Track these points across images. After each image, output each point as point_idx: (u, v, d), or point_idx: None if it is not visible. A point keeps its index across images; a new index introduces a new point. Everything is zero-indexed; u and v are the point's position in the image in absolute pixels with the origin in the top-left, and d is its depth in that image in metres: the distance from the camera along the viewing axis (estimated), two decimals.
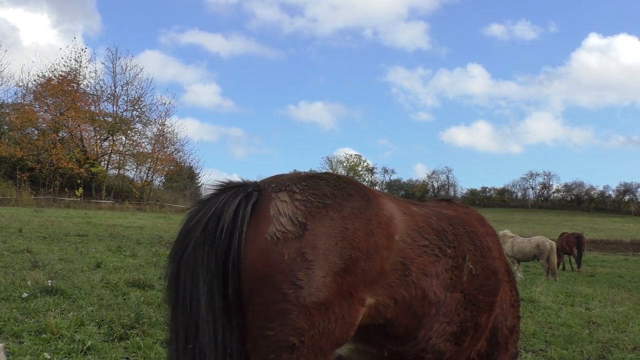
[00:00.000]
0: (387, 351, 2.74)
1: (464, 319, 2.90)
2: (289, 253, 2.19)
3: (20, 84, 48.07)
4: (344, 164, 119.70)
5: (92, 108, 49.68)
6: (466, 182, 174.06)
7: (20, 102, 46.70)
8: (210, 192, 2.47)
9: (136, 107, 51.78)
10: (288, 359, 2.17)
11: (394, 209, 2.63)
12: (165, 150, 52.85)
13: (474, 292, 2.95)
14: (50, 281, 7.43)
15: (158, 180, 57.06)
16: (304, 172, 2.74)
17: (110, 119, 50.27)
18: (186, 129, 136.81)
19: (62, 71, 47.88)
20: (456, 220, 3.09)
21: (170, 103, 53.31)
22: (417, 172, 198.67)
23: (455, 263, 2.84)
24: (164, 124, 52.70)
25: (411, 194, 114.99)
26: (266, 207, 2.26)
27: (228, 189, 2.38)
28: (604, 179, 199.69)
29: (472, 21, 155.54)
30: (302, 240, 2.21)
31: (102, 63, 63.83)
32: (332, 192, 2.40)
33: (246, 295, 2.20)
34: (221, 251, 2.20)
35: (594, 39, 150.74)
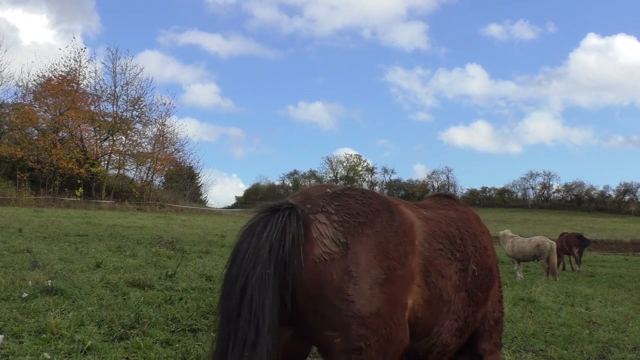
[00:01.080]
0: None
1: (467, 315, 3.17)
2: (337, 272, 2.42)
3: (20, 84, 48.10)
4: (344, 164, 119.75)
5: (92, 108, 49.68)
6: (466, 182, 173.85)
7: (20, 102, 46.67)
8: (260, 212, 2.64)
9: (136, 107, 51.82)
10: (358, 359, 2.44)
11: (412, 216, 2.91)
12: (165, 150, 52.83)
13: (475, 290, 3.23)
14: (50, 281, 7.42)
15: (158, 180, 57.09)
16: (326, 182, 2.98)
17: (110, 119, 50.24)
18: (186, 129, 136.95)
19: (62, 71, 47.91)
20: (460, 223, 3.34)
21: (170, 103, 53.27)
22: (417, 172, 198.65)
23: (463, 266, 3.12)
24: (164, 124, 52.73)
25: (411, 194, 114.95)
26: (308, 230, 2.47)
27: (276, 210, 2.56)
28: (603, 179, 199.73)
29: (471, 21, 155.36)
30: (346, 260, 2.44)
31: (102, 63, 63.90)
32: (363, 209, 2.63)
33: (302, 310, 2.46)
34: (282, 271, 2.42)
35: (592, 39, 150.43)
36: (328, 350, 2.48)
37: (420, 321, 2.81)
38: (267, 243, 2.44)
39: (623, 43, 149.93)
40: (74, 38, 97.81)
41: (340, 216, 2.54)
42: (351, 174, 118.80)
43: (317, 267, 2.42)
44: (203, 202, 63.34)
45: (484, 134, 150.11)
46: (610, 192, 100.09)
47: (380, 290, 2.49)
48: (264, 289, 2.39)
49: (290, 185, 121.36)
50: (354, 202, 2.64)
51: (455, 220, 3.32)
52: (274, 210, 2.56)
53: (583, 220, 74.16)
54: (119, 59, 51.52)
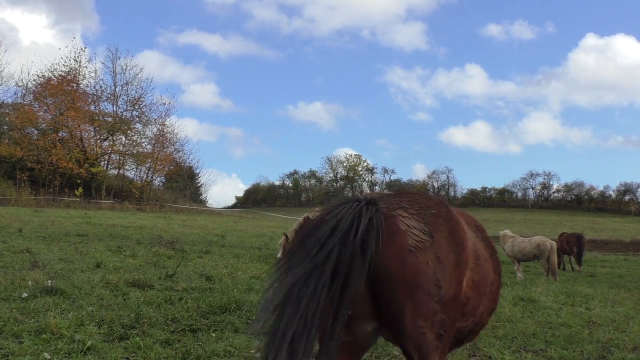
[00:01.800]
0: None
1: (496, 296, 3.44)
2: (431, 260, 2.57)
3: (20, 84, 48.12)
4: (344, 164, 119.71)
5: (92, 108, 49.67)
6: (465, 182, 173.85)
7: (20, 102, 46.69)
8: (343, 203, 2.68)
9: (136, 107, 51.81)
10: (437, 347, 2.58)
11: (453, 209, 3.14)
12: (165, 150, 52.80)
13: (496, 276, 3.44)
14: (50, 281, 7.42)
15: (158, 180, 57.07)
16: (379, 191, 3.17)
17: (110, 119, 50.21)
18: (186, 129, 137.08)
19: (61, 71, 47.91)
20: (468, 218, 3.54)
21: (170, 103, 53.25)
22: (417, 172, 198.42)
23: (492, 252, 3.37)
24: (164, 124, 52.71)
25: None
26: (394, 223, 2.60)
27: (358, 202, 2.65)
28: (602, 179, 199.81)
29: (470, 21, 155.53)
30: (434, 247, 2.61)
31: (102, 63, 63.87)
32: (429, 203, 2.85)
33: (393, 301, 2.51)
34: (368, 260, 2.48)
35: (591, 39, 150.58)
36: (415, 341, 2.53)
37: (470, 301, 2.95)
38: (356, 234, 2.46)
39: (622, 43, 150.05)
40: (74, 38, 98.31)
41: (415, 210, 2.72)
42: (351, 174, 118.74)
43: (413, 256, 2.54)
44: (203, 202, 63.34)
45: (484, 134, 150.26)
46: (610, 192, 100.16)
47: (455, 274, 2.67)
48: (353, 274, 2.41)
49: (290, 185, 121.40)
50: (419, 198, 2.86)
51: (462, 214, 3.52)
52: (356, 201, 2.65)
53: (583, 220, 74.15)
54: (119, 59, 51.60)
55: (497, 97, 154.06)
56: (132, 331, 5.61)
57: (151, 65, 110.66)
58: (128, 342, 5.28)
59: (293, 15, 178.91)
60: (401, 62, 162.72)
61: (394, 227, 2.57)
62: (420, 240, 2.57)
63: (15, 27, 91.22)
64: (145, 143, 52.44)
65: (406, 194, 2.91)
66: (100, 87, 50.98)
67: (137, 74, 51.91)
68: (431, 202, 2.87)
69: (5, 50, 57.97)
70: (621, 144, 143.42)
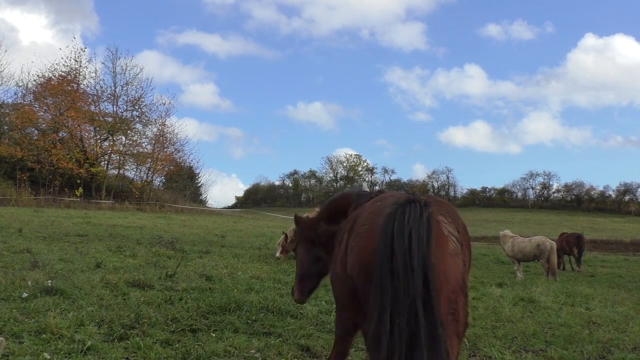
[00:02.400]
0: None
1: None
2: (461, 264, 2.97)
3: (20, 84, 48.03)
4: (344, 164, 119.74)
5: (92, 108, 49.62)
6: (465, 182, 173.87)
7: (20, 102, 46.63)
8: (401, 206, 3.01)
9: (136, 107, 51.79)
10: (463, 331, 2.97)
11: None
12: (165, 150, 52.80)
13: None
14: (50, 281, 7.42)
15: (158, 180, 57.06)
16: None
17: (110, 119, 50.19)
18: (186, 129, 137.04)
19: (62, 71, 47.89)
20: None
21: (170, 103, 53.23)
22: (416, 172, 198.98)
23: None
24: (164, 124, 52.70)
25: (411, 194, 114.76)
26: (440, 228, 2.95)
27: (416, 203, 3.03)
28: (602, 179, 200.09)
29: (469, 21, 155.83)
30: (463, 252, 3.02)
31: (102, 63, 63.70)
32: (455, 212, 3.27)
33: (435, 295, 2.75)
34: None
35: (590, 39, 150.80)
36: (448, 325, 2.79)
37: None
38: (419, 231, 2.82)
39: (621, 43, 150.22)
40: (75, 38, 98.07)
41: (450, 218, 3.08)
42: (351, 174, 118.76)
43: (452, 259, 2.92)
44: (203, 202, 63.34)
45: (483, 134, 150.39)
46: (610, 192, 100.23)
47: (467, 277, 3.10)
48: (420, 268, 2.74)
49: (290, 185, 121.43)
50: (448, 207, 3.26)
51: None
52: (414, 202, 3.01)
53: (583, 220, 74.16)
54: (119, 59, 51.58)
55: (497, 97, 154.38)
56: (132, 331, 5.61)
57: (151, 65, 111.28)
58: (128, 342, 5.28)
59: (292, 15, 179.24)
60: (400, 62, 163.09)
61: (441, 231, 2.94)
62: (456, 247, 2.96)
63: (15, 28, 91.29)
64: (145, 143, 52.49)
65: (437, 200, 3.26)
66: (101, 87, 51.05)
67: (137, 74, 51.96)
68: (455, 212, 3.29)
69: (6, 51, 57.88)
70: (621, 144, 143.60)
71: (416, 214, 2.86)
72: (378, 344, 2.65)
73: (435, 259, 2.77)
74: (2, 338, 3.24)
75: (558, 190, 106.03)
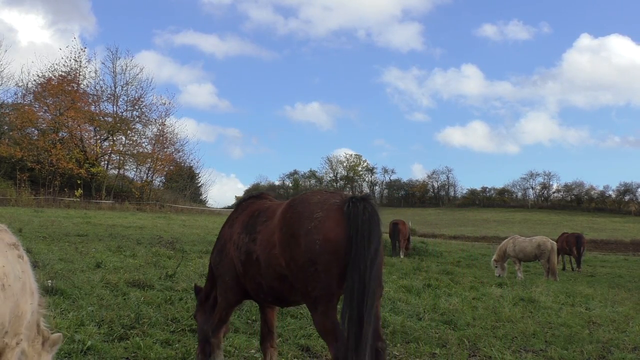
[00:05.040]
0: None
1: None
2: None
3: (20, 84, 47.98)
4: (344, 164, 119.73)
5: (92, 108, 49.56)
6: (464, 182, 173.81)
7: (20, 102, 46.59)
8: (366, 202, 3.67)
9: (136, 107, 51.75)
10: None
11: None
12: (165, 150, 52.75)
13: None
14: (50, 281, 7.42)
15: (158, 180, 57.00)
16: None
17: (110, 119, 50.15)
18: (186, 129, 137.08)
19: (62, 71, 47.86)
20: None
21: (170, 103, 53.20)
22: (415, 172, 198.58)
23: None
24: (164, 124, 52.67)
25: (411, 193, 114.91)
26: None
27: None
28: (600, 179, 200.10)
29: (465, 22, 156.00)
30: None
31: (102, 63, 63.73)
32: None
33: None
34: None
35: (585, 40, 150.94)
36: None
37: None
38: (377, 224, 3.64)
39: (617, 43, 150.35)
40: (75, 38, 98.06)
41: None
42: (351, 174, 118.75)
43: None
44: (203, 202, 63.28)
45: (481, 134, 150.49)
46: (610, 192, 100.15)
47: None
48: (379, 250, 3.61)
49: (291, 185, 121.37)
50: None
51: None
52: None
53: (583, 220, 74.11)
54: (119, 59, 51.55)
55: (494, 98, 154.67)
56: (132, 331, 5.61)
57: (148, 65, 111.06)
58: (128, 342, 5.28)
59: (289, 16, 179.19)
60: (397, 62, 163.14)
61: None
62: None
63: (13, 28, 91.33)
64: (145, 143, 52.45)
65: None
66: (101, 87, 51.00)
67: (137, 74, 51.92)
68: None
69: (6, 51, 57.87)
70: (618, 145, 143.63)
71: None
72: (353, 296, 3.41)
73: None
74: (61, 334, 3.29)
75: (558, 190, 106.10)
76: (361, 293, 3.38)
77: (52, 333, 3.30)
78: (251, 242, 4.16)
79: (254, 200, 4.79)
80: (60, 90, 45.45)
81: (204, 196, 66.25)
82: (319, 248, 3.51)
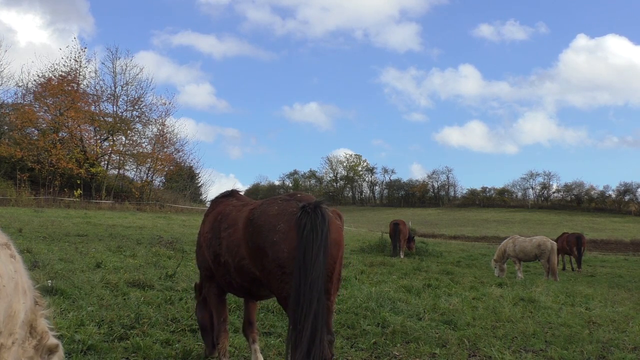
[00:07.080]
0: None
1: None
2: None
3: (20, 84, 47.97)
4: (344, 164, 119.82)
5: (92, 108, 49.54)
6: (465, 182, 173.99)
7: (20, 102, 46.58)
8: (318, 208, 3.87)
9: (136, 107, 51.73)
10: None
11: None
12: (165, 150, 52.73)
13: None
14: (50, 281, 7.42)
15: (158, 180, 56.98)
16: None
17: (110, 119, 50.15)
18: (185, 129, 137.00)
19: (61, 71, 47.84)
20: None
21: (169, 103, 53.18)
22: (414, 172, 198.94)
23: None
24: (164, 124, 52.66)
25: (411, 193, 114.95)
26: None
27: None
28: (599, 179, 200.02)
29: (462, 22, 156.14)
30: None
31: (102, 63, 63.79)
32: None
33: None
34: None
35: (582, 40, 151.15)
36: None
37: None
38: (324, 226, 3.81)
39: (614, 43, 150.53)
40: (75, 38, 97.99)
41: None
42: (351, 174, 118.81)
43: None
44: (203, 202, 63.25)
45: (479, 134, 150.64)
46: (610, 192, 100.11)
47: None
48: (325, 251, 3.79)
49: (291, 185, 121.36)
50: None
51: None
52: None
53: (583, 220, 74.12)
54: (119, 59, 51.54)
55: (492, 98, 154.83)
56: (132, 331, 5.61)
57: (147, 66, 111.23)
58: (128, 342, 5.28)
59: (287, 16, 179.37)
60: (395, 63, 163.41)
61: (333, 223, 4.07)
62: None
63: (12, 28, 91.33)
64: (145, 143, 52.40)
65: None
66: (101, 87, 50.97)
67: (137, 74, 51.91)
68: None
69: (5, 51, 57.87)
70: (616, 145, 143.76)
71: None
72: (299, 297, 3.67)
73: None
74: (59, 343, 3.18)
75: (558, 190, 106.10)
76: (298, 296, 3.64)
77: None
78: (217, 245, 4.49)
79: (222, 200, 5.05)
80: (60, 90, 45.43)
81: (204, 196, 66.24)
82: (287, 255, 3.79)
